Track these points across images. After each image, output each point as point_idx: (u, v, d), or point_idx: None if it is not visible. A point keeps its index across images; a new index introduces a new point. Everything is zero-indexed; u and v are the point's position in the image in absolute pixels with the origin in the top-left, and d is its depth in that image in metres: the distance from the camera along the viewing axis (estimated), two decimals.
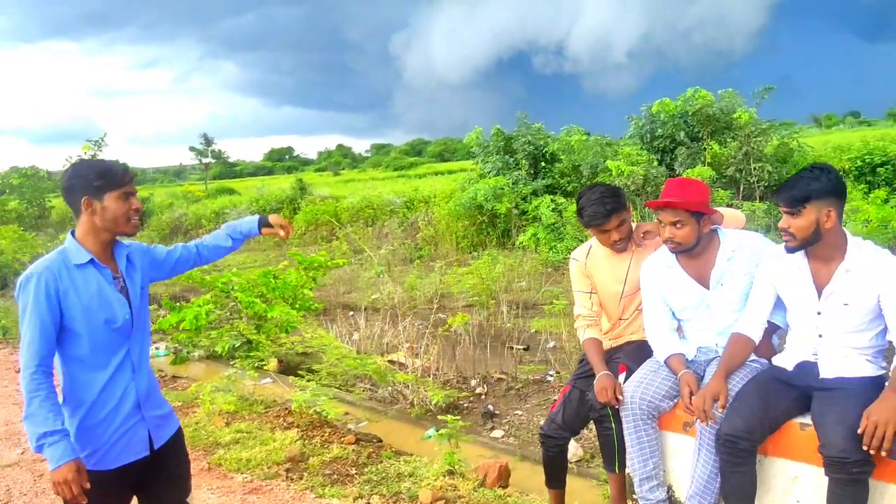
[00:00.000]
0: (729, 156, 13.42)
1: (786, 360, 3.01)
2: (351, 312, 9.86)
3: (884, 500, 2.65)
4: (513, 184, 16.09)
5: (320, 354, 6.42)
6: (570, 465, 4.52)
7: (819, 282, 2.90)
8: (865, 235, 9.01)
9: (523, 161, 16.80)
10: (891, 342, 2.86)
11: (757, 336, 3.10)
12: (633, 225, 3.49)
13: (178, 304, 7.85)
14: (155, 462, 2.66)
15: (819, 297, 2.89)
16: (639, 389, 3.16)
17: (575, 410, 3.50)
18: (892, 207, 9.71)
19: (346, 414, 6.02)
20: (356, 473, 4.63)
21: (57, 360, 2.49)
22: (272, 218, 3.04)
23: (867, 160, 11.79)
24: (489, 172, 17.04)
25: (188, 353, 7.58)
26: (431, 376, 6.32)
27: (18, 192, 24.42)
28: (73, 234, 2.56)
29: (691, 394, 3.01)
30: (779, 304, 3.12)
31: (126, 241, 2.69)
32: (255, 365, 6.28)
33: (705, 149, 13.97)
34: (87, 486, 2.36)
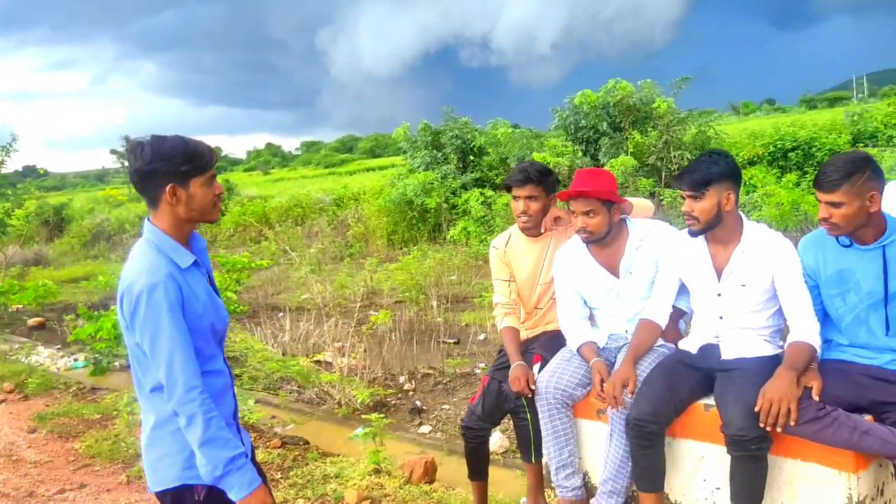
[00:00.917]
0: (650, 145, 13.75)
1: (690, 344, 3.10)
2: (280, 314, 9.73)
3: (782, 474, 2.75)
4: (442, 178, 16.14)
5: (245, 358, 6.30)
6: (495, 457, 4.57)
7: (718, 264, 3.01)
8: (778, 217, 9.39)
9: (452, 155, 16.87)
10: (786, 322, 2.97)
11: (663, 321, 3.19)
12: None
13: (96, 312, 7.59)
14: None
15: (719, 279, 2.99)
16: (552, 379, 3.21)
17: (494, 401, 3.52)
18: (802, 191, 10.11)
19: (273, 417, 5.94)
20: (281, 478, 4.57)
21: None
22: None
23: (779, 145, 12.24)
24: (418, 167, 17.05)
25: (108, 363, 7.33)
26: (358, 375, 6.28)
27: None
28: (156, 227, 2.18)
29: (602, 381, 3.07)
30: (683, 290, 3.22)
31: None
32: None
33: (628, 138, 14.29)
34: None
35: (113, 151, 42.68)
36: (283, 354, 6.97)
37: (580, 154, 14.37)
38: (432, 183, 15.84)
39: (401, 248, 15.55)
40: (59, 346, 9.06)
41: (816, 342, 2.80)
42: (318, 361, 6.84)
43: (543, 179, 3.48)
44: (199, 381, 2.10)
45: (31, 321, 10.94)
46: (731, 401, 2.75)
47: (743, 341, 2.96)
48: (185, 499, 2.20)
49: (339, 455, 4.94)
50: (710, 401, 2.91)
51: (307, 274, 11.95)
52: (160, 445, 2.21)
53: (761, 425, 2.61)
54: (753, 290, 2.94)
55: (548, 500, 3.51)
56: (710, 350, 3.01)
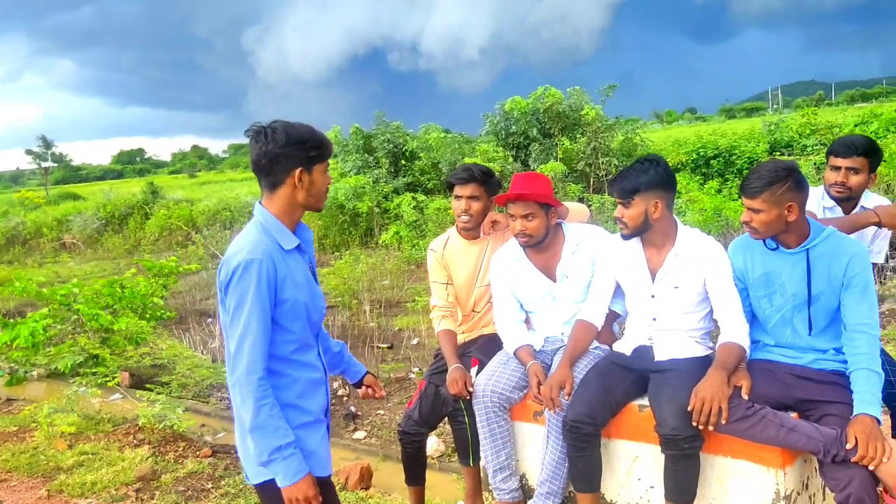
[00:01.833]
0: (579, 151, 14.02)
1: (625, 346, 3.17)
2: (210, 319, 9.50)
3: (714, 471, 2.83)
4: (373, 182, 16.07)
5: (174, 365, 6.12)
6: (431, 461, 4.56)
7: (652, 267, 3.08)
8: (702, 223, 9.69)
9: (383, 159, 16.82)
10: (717, 323, 3.06)
11: (599, 322, 3.24)
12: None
13: (11, 320, 7.25)
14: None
15: (653, 280, 3.07)
16: (489, 382, 3.22)
17: (431, 406, 3.52)
18: (723, 197, 10.46)
19: (203, 426, 5.80)
20: (212, 487, 4.46)
21: None
22: (368, 378, 2.94)
23: (701, 153, 12.64)
24: (349, 171, 16.94)
25: (25, 372, 7.02)
26: None
27: None
28: (266, 210, 2.23)
29: (539, 384, 3.10)
30: (618, 293, 3.29)
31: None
32: (99, 382, 5.89)
33: (557, 144, 14.54)
34: (321, 499, 2.18)
35: (28, 152, 40.82)
36: (214, 361, 6.80)
37: (511, 159, 14.54)
38: (364, 187, 15.76)
39: (332, 253, 15.41)
40: None
41: (746, 343, 2.89)
42: None
43: (486, 180, 3.50)
44: (262, 367, 2.11)
45: None
46: (664, 401, 2.81)
47: (675, 343, 3.04)
48: (315, 484, 2.19)
49: None
50: (645, 401, 2.98)
51: None
52: None
53: (694, 424, 2.68)
54: (686, 292, 3.02)
55: (485, 503, 3.52)
56: (643, 352, 3.08)
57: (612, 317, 3.34)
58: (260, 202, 2.27)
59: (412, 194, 15.18)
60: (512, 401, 3.25)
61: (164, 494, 4.36)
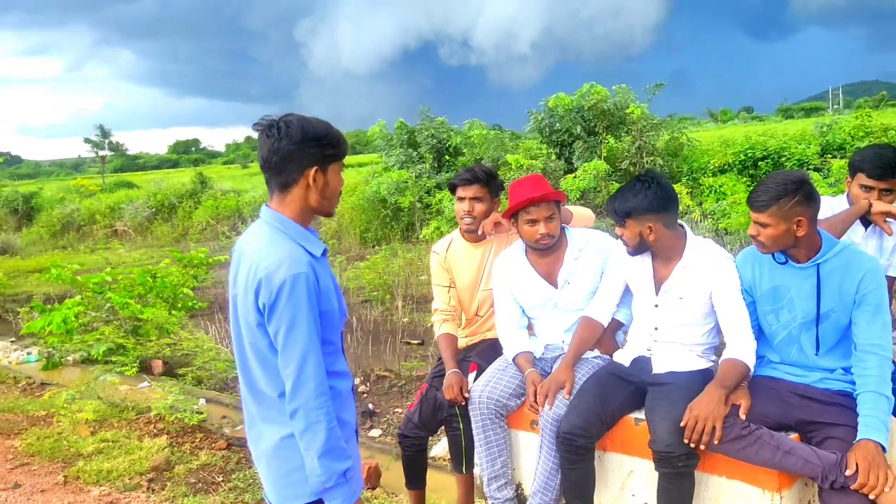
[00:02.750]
0: (623, 150, 13.77)
1: (624, 356, 3.08)
2: None
3: (708, 490, 2.73)
4: (416, 177, 16.07)
5: (194, 357, 6.21)
6: (441, 462, 4.53)
7: (659, 277, 2.99)
8: (745, 226, 9.41)
9: (427, 154, 16.80)
10: (722, 338, 2.95)
11: (605, 320, 3.16)
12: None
13: (49, 306, 7.46)
14: None
15: (657, 291, 2.97)
16: (486, 388, 3.17)
17: (431, 410, 3.46)
18: None
19: (224, 418, 5.85)
20: (223, 481, 4.50)
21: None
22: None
23: (749, 154, 12.29)
24: (393, 166, 16.98)
25: (61, 357, 7.21)
26: None
27: None
28: (281, 214, 2.05)
29: (536, 393, 3.03)
30: (623, 301, 3.20)
31: None
32: (117, 370, 6.00)
33: (602, 142, 14.31)
34: None
35: (87, 140, 41.96)
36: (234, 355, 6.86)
37: (554, 157, 14.37)
38: (406, 182, 15.77)
39: (373, 247, 15.48)
40: (12, 339, 8.90)
41: (751, 361, 2.77)
42: None
43: (490, 181, 3.46)
44: (327, 386, 1.99)
45: None
46: (659, 416, 2.72)
47: (675, 355, 2.94)
48: None
49: None
50: (641, 415, 2.89)
51: None
52: (292, 457, 2.06)
53: (686, 441, 2.59)
54: (690, 304, 2.92)
55: None
56: (642, 363, 2.99)
57: (616, 325, 3.26)
58: (268, 205, 2.10)
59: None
60: (509, 408, 3.18)
61: (175, 486, 4.41)
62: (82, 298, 6.96)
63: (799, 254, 2.71)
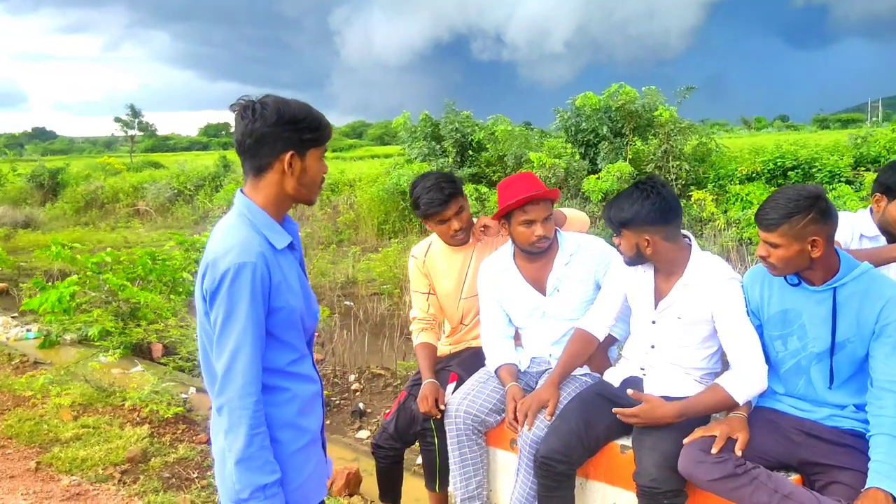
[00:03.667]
0: (649, 153, 13.43)
1: (615, 375, 2.82)
2: None
3: None
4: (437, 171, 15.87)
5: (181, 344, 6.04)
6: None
7: (659, 292, 2.73)
8: None
9: (451, 148, 16.58)
10: (725, 364, 2.69)
11: (601, 334, 2.90)
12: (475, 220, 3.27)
13: (50, 283, 7.35)
14: None
15: (655, 307, 2.71)
16: (464, 402, 2.93)
17: (408, 420, 3.22)
18: None
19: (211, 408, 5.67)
20: (197, 477, 4.30)
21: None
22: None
23: (779, 163, 11.89)
24: (415, 158, 16.79)
25: (58, 336, 7.08)
26: None
27: None
28: (251, 200, 1.93)
29: (516, 410, 2.79)
30: (621, 315, 2.94)
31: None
32: (101, 354, 5.85)
33: (628, 144, 13.98)
34: None
35: (117, 119, 42.24)
36: None
37: (578, 157, 14.07)
38: None
39: (390, 239, 15.26)
40: (15, 315, 8.82)
41: (751, 391, 2.50)
42: None
43: (458, 186, 3.17)
44: (258, 389, 1.83)
45: None
46: (647, 447, 2.47)
47: (670, 378, 2.68)
48: None
49: None
50: (629, 441, 2.64)
51: None
52: None
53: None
54: (689, 324, 2.66)
55: None
56: (633, 384, 2.73)
57: (609, 341, 3.00)
58: (242, 190, 1.97)
59: (475, 185, 14.87)
60: (487, 424, 2.95)
61: (148, 480, 4.23)
62: (80, 278, 6.82)
63: (814, 276, 2.43)
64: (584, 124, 14.60)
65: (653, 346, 2.74)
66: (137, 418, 5.21)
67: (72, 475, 4.30)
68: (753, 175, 12.16)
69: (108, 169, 25.49)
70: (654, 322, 2.73)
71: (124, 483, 4.21)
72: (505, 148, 15.42)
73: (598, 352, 2.95)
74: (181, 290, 7.32)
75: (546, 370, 2.98)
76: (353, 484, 4.18)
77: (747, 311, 2.60)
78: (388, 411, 3.48)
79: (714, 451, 2.33)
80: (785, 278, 2.50)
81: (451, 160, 16.37)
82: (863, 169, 11.48)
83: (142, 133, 49.23)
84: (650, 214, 2.56)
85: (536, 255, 2.99)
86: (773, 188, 11.66)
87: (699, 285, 2.63)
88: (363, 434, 5.25)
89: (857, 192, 10.28)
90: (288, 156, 1.89)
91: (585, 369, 2.97)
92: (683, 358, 2.68)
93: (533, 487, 2.71)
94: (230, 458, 1.83)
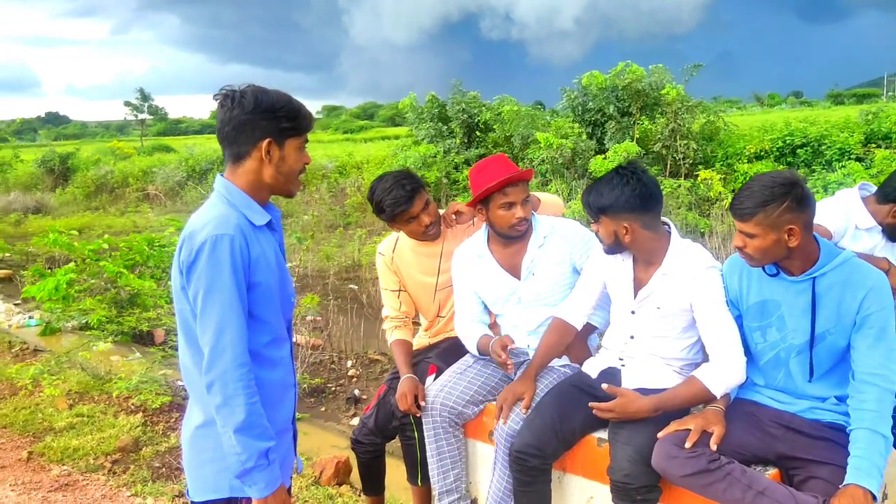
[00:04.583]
0: (657, 132, 13.26)
1: (593, 367, 2.76)
2: None
3: None
4: (445, 152, 15.74)
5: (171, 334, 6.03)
6: None
7: (638, 283, 2.66)
8: None
9: (458, 129, 16.45)
10: (706, 354, 2.62)
11: (579, 323, 2.83)
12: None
13: (50, 270, 7.36)
14: None
15: (635, 297, 2.65)
16: (441, 393, 2.88)
17: (387, 415, 3.16)
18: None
19: None
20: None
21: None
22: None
23: (788, 141, 11.70)
24: (422, 139, 16.68)
25: (58, 323, 7.10)
26: (300, 358, 5.98)
27: None
28: (230, 182, 1.95)
29: (504, 346, 2.77)
30: (601, 304, 2.88)
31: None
32: (92, 344, 5.85)
33: (635, 123, 13.80)
34: None
35: (127, 103, 42.28)
36: None
37: (585, 137, 13.91)
38: (434, 156, 15.46)
39: None
40: (18, 302, 8.86)
41: (722, 385, 2.44)
42: None
43: (419, 181, 3.10)
44: (248, 358, 1.86)
45: None
46: (621, 441, 2.42)
47: (649, 369, 2.62)
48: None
49: None
50: (605, 434, 2.58)
51: (295, 242, 11.67)
52: (208, 448, 1.94)
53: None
54: (669, 314, 2.58)
55: None
56: (611, 375, 2.67)
57: (589, 330, 2.94)
58: (222, 175, 2.01)
59: None
60: (465, 416, 2.90)
61: (138, 469, 4.23)
62: (78, 265, 6.82)
63: (792, 265, 2.36)
64: (590, 104, 14.42)
65: (632, 337, 2.68)
66: (131, 406, 5.21)
67: (63, 465, 4.31)
68: (762, 153, 11.98)
69: (118, 153, 25.54)
70: (633, 312, 2.66)
71: (114, 473, 4.22)
72: (511, 128, 15.27)
73: (578, 341, 2.89)
74: None
75: (524, 361, 2.92)
76: (342, 473, 4.17)
77: (726, 301, 2.53)
78: (367, 405, 3.44)
79: (687, 445, 2.27)
80: (763, 268, 2.43)
81: (458, 141, 16.26)
82: (873, 146, 11.26)
83: (152, 117, 49.30)
84: (629, 201, 2.48)
85: (512, 240, 2.93)
86: (782, 167, 11.48)
87: (678, 274, 2.56)
88: (356, 421, 5.22)
89: (867, 169, 10.09)
90: (265, 143, 1.92)
91: (565, 360, 2.91)
92: (663, 348, 2.62)
93: (510, 482, 2.65)
94: (228, 431, 1.83)
